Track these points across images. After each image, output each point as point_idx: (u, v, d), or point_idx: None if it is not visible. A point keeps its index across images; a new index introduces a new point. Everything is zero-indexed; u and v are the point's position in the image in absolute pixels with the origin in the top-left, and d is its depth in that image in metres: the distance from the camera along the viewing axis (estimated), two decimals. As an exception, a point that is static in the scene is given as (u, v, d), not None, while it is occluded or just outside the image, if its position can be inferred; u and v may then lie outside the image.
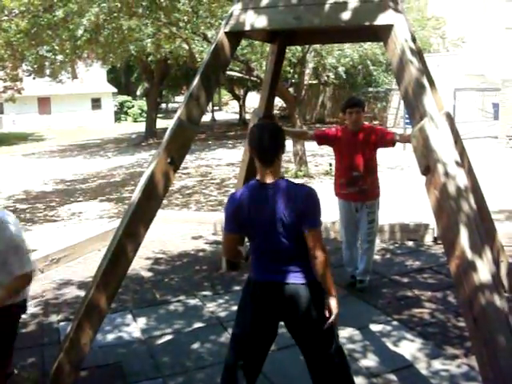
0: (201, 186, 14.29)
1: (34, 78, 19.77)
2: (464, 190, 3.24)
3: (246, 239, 3.37)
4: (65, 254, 7.02)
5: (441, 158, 3.32)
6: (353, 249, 5.82)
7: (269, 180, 3.11)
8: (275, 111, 27.11)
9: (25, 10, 12.07)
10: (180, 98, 50.65)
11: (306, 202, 3.05)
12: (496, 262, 5.05)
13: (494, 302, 2.99)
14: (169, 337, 4.90)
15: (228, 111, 54.98)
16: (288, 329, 3.24)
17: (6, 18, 12.44)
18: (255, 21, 4.08)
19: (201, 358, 4.46)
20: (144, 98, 37.01)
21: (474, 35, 29.71)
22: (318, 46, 15.02)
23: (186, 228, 8.50)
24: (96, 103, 47.41)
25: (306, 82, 15.52)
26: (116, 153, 25.16)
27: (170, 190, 4.91)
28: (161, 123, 32.24)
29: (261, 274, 3.20)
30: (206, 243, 7.75)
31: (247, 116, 34.43)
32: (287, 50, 6.96)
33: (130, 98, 49.53)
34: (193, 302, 5.68)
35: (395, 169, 15.30)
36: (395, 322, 4.98)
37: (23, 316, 3.94)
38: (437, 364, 4.21)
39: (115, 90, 48.18)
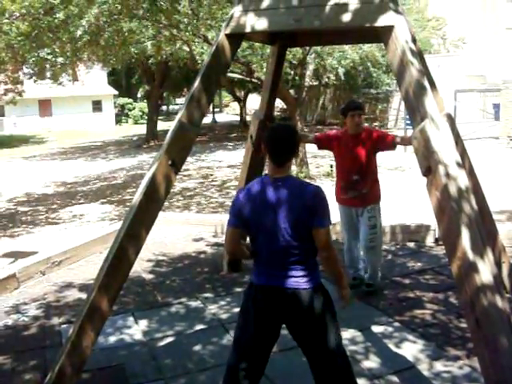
0: (202, 188, 14.29)
1: (35, 81, 19.78)
2: (465, 191, 3.24)
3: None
4: (66, 257, 7.03)
5: (442, 159, 3.32)
6: (354, 251, 5.80)
7: (278, 176, 3.14)
8: (276, 113, 27.12)
9: (25, 12, 12.07)
10: (181, 100, 50.74)
11: (314, 200, 3.05)
12: (497, 263, 5.04)
13: (496, 303, 2.99)
14: (170, 339, 4.90)
15: (229, 113, 55.02)
16: (290, 331, 3.23)
17: (6, 20, 12.42)
18: (256, 23, 4.08)
19: (202, 360, 4.46)
20: (145, 100, 37.05)
21: (474, 36, 29.74)
22: (318, 48, 15.02)
23: (188, 230, 8.50)
24: (97, 105, 47.47)
25: (306, 84, 15.52)
26: (117, 155, 25.16)
27: (171, 191, 4.92)
28: (162, 125, 32.27)
29: (263, 278, 3.18)
30: (207, 245, 7.75)
31: (248, 118, 34.42)
32: (288, 52, 6.97)
33: (130, 101, 49.55)
34: (194, 304, 5.68)
35: (396, 170, 15.31)
36: (397, 324, 4.98)
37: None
38: (439, 365, 4.20)
39: (116, 93, 48.25)
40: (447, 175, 3.28)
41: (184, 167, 4.73)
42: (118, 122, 48.48)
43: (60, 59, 15.15)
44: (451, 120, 4.55)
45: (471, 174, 4.76)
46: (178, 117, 4.09)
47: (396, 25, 3.71)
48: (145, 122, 35.16)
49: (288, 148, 3.14)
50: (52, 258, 6.84)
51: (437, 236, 7.12)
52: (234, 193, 10.69)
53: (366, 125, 5.95)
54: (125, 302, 5.71)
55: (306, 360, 3.23)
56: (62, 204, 13.21)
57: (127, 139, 33.71)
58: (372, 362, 4.31)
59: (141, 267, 6.69)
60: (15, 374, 4.37)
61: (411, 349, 4.49)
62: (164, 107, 52.66)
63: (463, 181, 3.28)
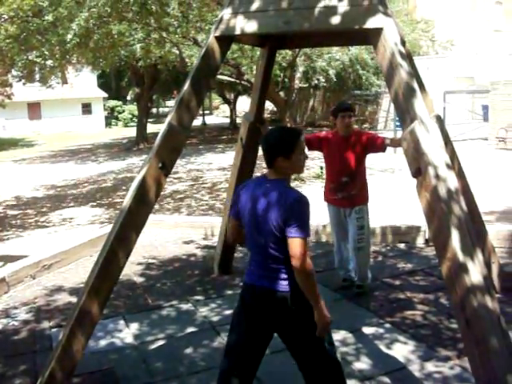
0: (192, 191, 14.28)
1: (24, 84, 19.70)
2: (455, 192, 3.26)
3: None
4: (56, 260, 6.99)
5: (431, 160, 3.34)
6: (343, 252, 5.81)
7: (270, 177, 3.15)
8: (266, 115, 27.14)
9: (14, 15, 12.04)
10: (171, 103, 50.70)
11: (291, 208, 2.96)
12: (487, 264, 5.07)
13: (486, 303, 3.00)
14: (161, 342, 4.88)
15: (219, 115, 55.00)
16: (279, 335, 3.23)
17: (-5, 23, 12.42)
18: (245, 25, 4.08)
19: (194, 363, 4.45)
20: (134, 103, 36.96)
21: (462, 38, 29.90)
22: (307, 50, 15.07)
23: (178, 232, 8.48)
24: (86, 108, 47.31)
25: (296, 86, 15.56)
26: (107, 158, 25.11)
27: (161, 194, 4.90)
28: (152, 128, 32.22)
29: (249, 277, 3.21)
30: (198, 248, 7.73)
31: (238, 120, 34.47)
32: (277, 54, 6.97)
33: (120, 103, 49.44)
34: (185, 306, 5.67)
35: (386, 172, 15.36)
36: (388, 325, 4.98)
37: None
38: (430, 366, 4.21)
39: (106, 95, 48.13)
40: (437, 176, 3.29)
41: (174, 170, 4.73)
42: (108, 124, 48.36)
43: (49, 62, 15.10)
44: (440, 121, 4.58)
45: (460, 175, 4.78)
46: (167, 119, 4.08)
47: (385, 27, 3.73)
48: (135, 124, 35.13)
49: (270, 149, 3.12)
50: (42, 262, 6.80)
51: (427, 237, 7.14)
52: (224, 195, 10.69)
53: (356, 127, 5.96)
54: (115, 305, 5.69)
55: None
56: (51, 207, 13.17)
57: (117, 142, 33.64)
58: (363, 363, 4.31)
59: (131, 270, 6.67)
60: (5, 379, 4.34)
61: (402, 350, 4.49)
62: (154, 110, 52.58)
63: (453, 182, 3.29)
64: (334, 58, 17.15)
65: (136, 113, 35.83)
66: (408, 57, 3.81)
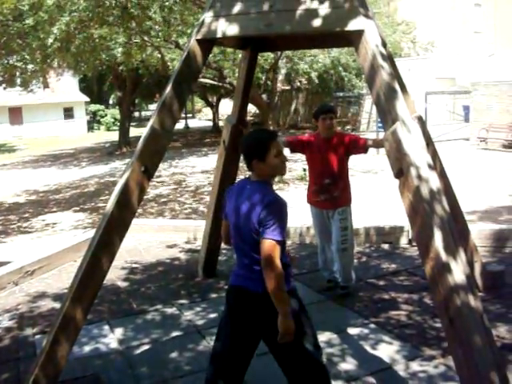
0: (175, 194, 14.24)
1: (4, 88, 19.55)
2: (437, 193, 3.28)
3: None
4: (39, 266, 6.93)
5: (413, 161, 3.36)
6: (327, 253, 5.82)
7: (252, 180, 3.18)
8: (249, 117, 27.13)
9: (-6, 19, 11.95)
10: (153, 106, 50.44)
11: (266, 210, 2.96)
12: (470, 263, 5.11)
13: (469, 302, 3.03)
14: (146, 346, 4.86)
15: (201, 118, 54.92)
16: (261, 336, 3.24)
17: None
18: (227, 28, 4.09)
19: (179, 367, 4.43)
20: (117, 107, 36.82)
21: (443, 39, 30.17)
22: (290, 52, 15.11)
23: (162, 236, 8.45)
24: (68, 112, 47.03)
25: (278, 88, 15.59)
26: (90, 162, 24.97)
27: (144, 198, 4.89)
28: (134, 132, 32.10)
29: (233, 278, 3.25)
30: (182, 251, 7.71)
31: (221, 123, 34.43)
32: (259, 57, 6.98)
33: (102, 107, 49.21)
34: (170, 310, 5.65)
35: (369, 173, 15.43)
36: (372, 325, 5.00)
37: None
38: (415, 365, 4.23)
39: (88, 99, 47.88)
40: (419, 177, 3.32)
41: (157, 173, 4.71)
42: (90, 128, 48.12)
43: (30, 66, 15.00)
44: (422, 122, 4.61)
45: (442, 175, 4.82)
46: (150, 123, 4.07)
47: (366, 29, 3.75)
48: (117, 128, 34.98)
49: (244, 153, 3.17)
50: (25, 268, 6.74)
51: (410, 237, 7.18)
52: (207, 198, 10.68)
53: (339, 128, 5.98)
54: (100, 310, 5.65)
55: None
56: (34, 213, 13.06)
57: (99, 146, 33.47)
58: (348, 364, 4.32)
59: (115, 275, 6.63)
60: (-12, 386, 4.30)
61: (387, 350, 4.51)
62: (136, 113, 52.41)
63: (435, 182, 3.32)
64: (315, 61, 17.17)
65: (118, 117, 35.69)
66: (389, 58, 3.84)
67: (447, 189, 4.77)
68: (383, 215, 8.87)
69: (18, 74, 16.27)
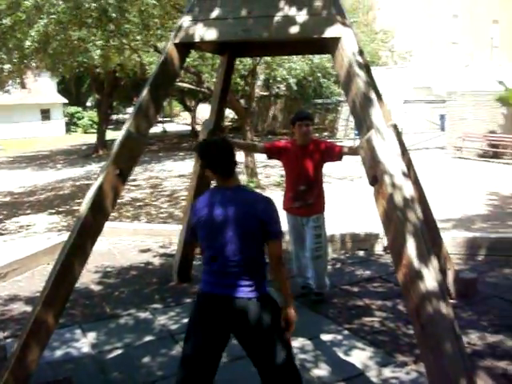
0: (151, 198, 14.16)
1: (-21, 89, 19.33)
2: (410, 200, 3.31)
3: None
4: (12, 269, 6.86)
5: (388, 168, 3.39)
6: (301, 260, 5.84)
7: (228, 186, 3.18)
8: (226, 123, 27.10)
9: (-30, 18, 11.79)
10: (131, 109, 50.22)
11: (266, 211, 3.08)
12: (443, 270, 5.17)
13: (441, 309, 3.06)
14: (119, 351, 4.83)
15: (179, 122, 54.74)
16: (238, 341, 3.23)
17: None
18: (205, 33, 4.09)
19: (151, 372, 4.41)
20: (94, 109, 36.59)
21: (421, 49, 30.52)
22: (268, 58, 15.11)
23: (136, 240, 8.41)
24: (45, 114, 46.65)
25: (256, 94, 15.59)
26: (66, 164, 24.74)
27: (120, 202, 4.85)
28: (111, 134, 31.86)
29: (210, 286, 3.18)
30: (156, 256, 7.68)
31: (198, 127, 34.35)
32: (238, 62, 6.99)
33: (80, 109, 48.86)
34: (143, 315, 5.61)
35: (345, 179, 15.48)
36: (346, 332, 5.02)
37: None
38: (387, 372, 4.26)
39: (66, 101, 47.51)
40: (393, 185, 3.34)
41: (133, 177, 4.69)
42: (68, 130, 47.75)
43: (7, 66, 14.83)
44: (397, 130, 4.64)
45: (416, 183, 4.86)
46: (125, 126, 4.06)
47: (343, 37, 3.78)
48: (94, 131, 34.75)
49: (231, 159, 3.19)
50: (-3, 270, 6.66)
51: (385, 244, 7.23)
52: (183, 203, 10.65)
53: (316, 135, 6.00)
54: (72, 314, 5.60)
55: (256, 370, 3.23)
56: (8, 214, 12.89)
57: (76, 148, 33.20)
58: (321, 370, 4.33)
59: (89, 278, 6.58)
60: (-44, 390, 4.23)
61: (360, 356, 4.54)
62: (114, 116, 52.12)
63: (408, 190, 3.35)
64: (293, 68, 17.19)
65: (96, 119, 35.47)
66: (365, 66, 3.86)
67: (421, 197, 4.82)
68: (359, 222, 8.91)
69: (-7, 73, 16.07)
